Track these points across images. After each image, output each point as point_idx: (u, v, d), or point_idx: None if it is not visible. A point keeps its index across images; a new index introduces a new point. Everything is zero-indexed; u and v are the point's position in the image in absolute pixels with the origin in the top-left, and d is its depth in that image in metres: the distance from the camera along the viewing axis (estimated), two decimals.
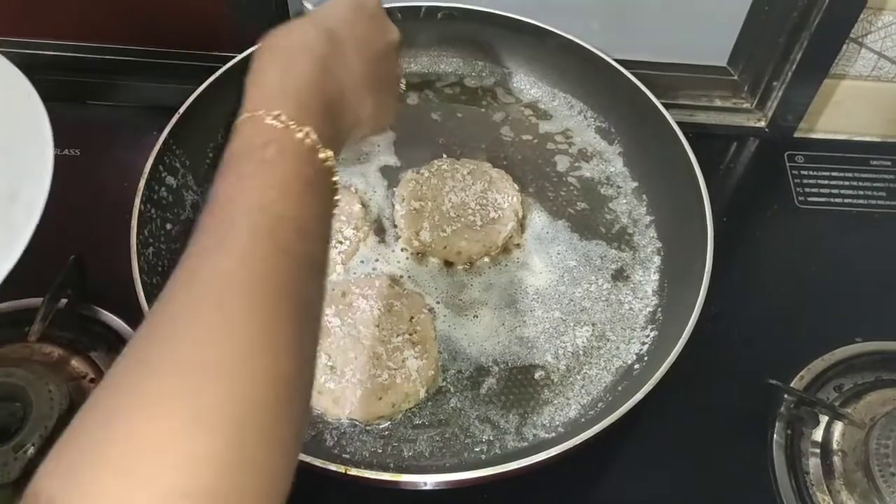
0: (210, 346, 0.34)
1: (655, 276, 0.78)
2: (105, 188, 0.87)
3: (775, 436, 0.74)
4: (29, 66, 0.96)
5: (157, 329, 0.35)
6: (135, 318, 0.72)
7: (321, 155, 0.43)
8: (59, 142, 0.92)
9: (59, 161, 0.91)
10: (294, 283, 0.38)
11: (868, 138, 1.01)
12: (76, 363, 0.75)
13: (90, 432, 0.32)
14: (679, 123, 0.78)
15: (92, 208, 0.86)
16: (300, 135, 0.42)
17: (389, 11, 0.87)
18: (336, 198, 0.45)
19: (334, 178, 0.44)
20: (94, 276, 0.78)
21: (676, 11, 0.91)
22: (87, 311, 0.78)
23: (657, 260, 0.79)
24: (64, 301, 0.76)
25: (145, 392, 0.32)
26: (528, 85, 0.91)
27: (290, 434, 0.36)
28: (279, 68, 0.45)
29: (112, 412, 0.32)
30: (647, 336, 0.73)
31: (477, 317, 0.75)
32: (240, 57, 0.82)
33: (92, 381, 0.74)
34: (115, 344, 0.77)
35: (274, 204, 0.39)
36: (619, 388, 0.70)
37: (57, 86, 0.97)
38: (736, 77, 0.99)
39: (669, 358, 0.64)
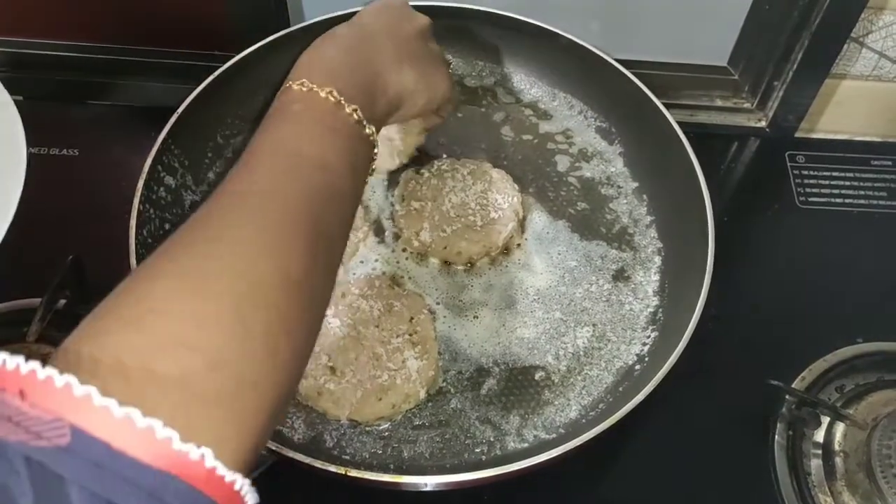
0: (221, 241, 0.39)
1: (656, 277, 0.77)
2: (103, 188, 0.87)
3: (777, 437, 0.74)
4: (27, 66, 0.96)
5: (177, 234, 0.40)
6: None
7: (347, 109, 0.49)
8: (57, 142, 0.93)
9: (57, 161, 0.92)
10: (308, 206, 0.43)
11: (869, 138, 1.01)
12: None
13: (110, 301, 0.36)
14: (680, 123, 0.78)
15: (90, 208, 0.86)
16: (323, 94, 0.48)
17: None
18: (374, 150, 0.52)
19: (367, 131, 0.51)
20: (92, 276, 0.78)
21: (677, 11, 0.91)
22: (85, 312, 0.77)
23: (658, 260, 0.78)
24: (62, 301, 0.75)
25: (159, 268, 0.38)
26: (528, 85, 0.91)
27: (296, 332, 0.39)
28: (312, 55, 0.54)
29: (130, 285, 0.37)
30: (648, 337, 0.73)
31: (477, 317, 0.74)
32: (239, 57, 0.81)
33: None
34: None
35: (294, 143, 0.46)
36: (620, 389, 0.70)
37: (55, 85, 0.97)
38: (736, 77, 0.99)
39: (671, 359, 0.63)
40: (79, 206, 0.86)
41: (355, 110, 0.49)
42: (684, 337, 0.65)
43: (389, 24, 0.60)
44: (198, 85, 0.79)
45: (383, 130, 0.81)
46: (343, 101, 0.49)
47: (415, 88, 0.59)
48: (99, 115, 0.97)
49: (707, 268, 0.68)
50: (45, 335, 0.74)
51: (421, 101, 0.61)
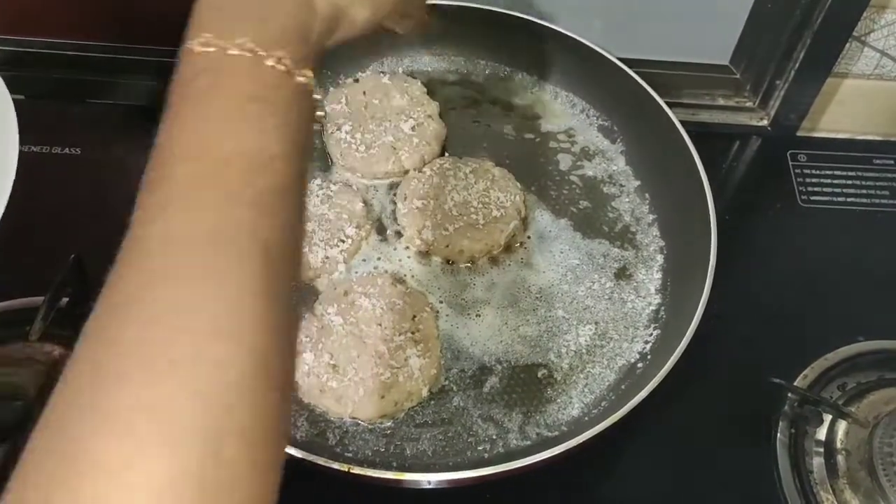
0: (142, 342, 0.31)
1: (658, 275, 0.77)
2: (105, 187, 0.87)
3: (779, 435, 0.74)
4: (29, 65, 0.96)
5: (92, 323, 0.32)
6: None
7: (268, 62, 0.37)
8: (59, 140, 0.93)
9: (59, 160, 0.92)
10: (251, 236, 0.33)
11: (871, 137, 1.01)
12: None
13: (41, 450, 0.29)
14: (681, 122, 0.78)
15: (92, 207, 0.86)
16: (234, 51, 0.36)
17: None
18: (315, 98, 0.40)
19: (300, 80, 0.38)
20: (94, 274, 0.78)
21: (679, 10, 0.91)
22: (88, 311, 0.77)
23: (660, 258, 0.78)
24: (65, 300, 0.75)
25: (83, 400, 0.30)
26: (530, 83, 0.91)
27: (268, 429, 0.32)
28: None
29: (57, 421, 0.30)
30: (651, 335, 0.73)
31: (480, 316, 0.74)
32: None
33: None
34: None
35: (211, 142, 0.35)
36: (623, 387, 0.70)
37: (57, 84, 0.97)
38: (738, 76, 0.99)
39: (673, 357, 0.63)
40: (80, 204, 0.86)
41: (280, 59, 0.37)
42: (686, 335, 0.65)
43: None
44: None
45: (389, 138, 0.82)
46: (261, 52, 0.37)
47: (351, 1, 0.45)
48: (100, 113, 0.97)
49: (709, 266, 0.69)
50: (48, 334, 0.73)
51: (363, 13, 0.46)
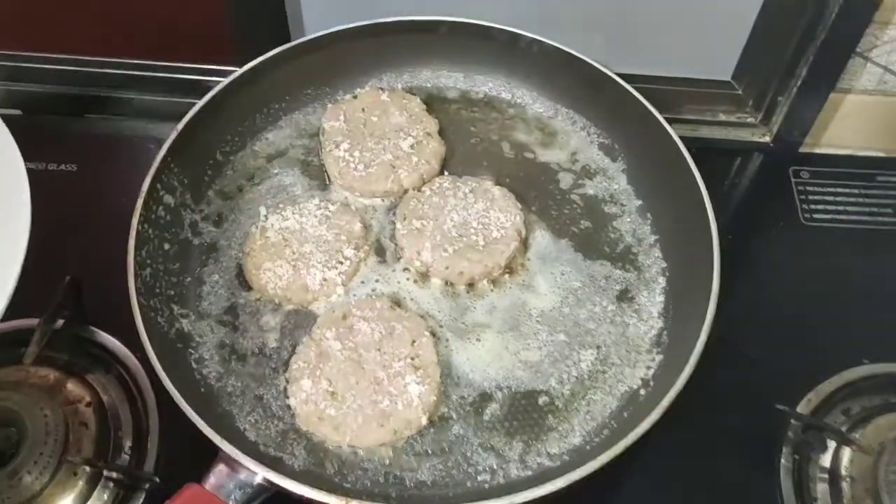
0: None
1: (661, 298, 0.76)
2: (102, 204, 0.86)
3: (783, 461, 0.73)
4: (26, 79, 0.95)
5: None
6: (132, 339, 0.71)
7: None
8: (55, 156, 0.92)
9: (55, 176, 0.91)
10: None
11: (874, 153, 1.00)
12: (72, 386, 0.73)
13: None
14: (683, 138, 0.77)
15: (89, 226, 0.85)
16: None
17: (392, 25, 0.86)
18: None
19: None
20: (90, 296, 0.77)
21: (680, 26, 0.91)
22: (83, 333, 0.77)
23: (662, 281, 0.77)
24: (61, 322, 0.74)
25: None
26: (530, 100, 0.90)
27: None
28: None
29: None
30: (653, 360, 0.72)
31: (480, 340, 0.73)
32: (239, 73, 0.81)
33: (88, 404, 0.72)
34: (111, 366, 0.75)
35: None
36: (625, 415, 0.69)
37: (54, 99, 0.96)
38: (740, 92, 0.98)
39: (676, 385, 0.63)
40: (77, 223, 0.85)
41: None
42: (690, 362, 0.64)
43: None
44: (197, 99, 0.78)
45: (388, 156, 0.81)
46: None
47: None
48: (97, 128, 0.96)
49: (712, 291, 0.68)
50: (43, 357, 0.72)
51: None
